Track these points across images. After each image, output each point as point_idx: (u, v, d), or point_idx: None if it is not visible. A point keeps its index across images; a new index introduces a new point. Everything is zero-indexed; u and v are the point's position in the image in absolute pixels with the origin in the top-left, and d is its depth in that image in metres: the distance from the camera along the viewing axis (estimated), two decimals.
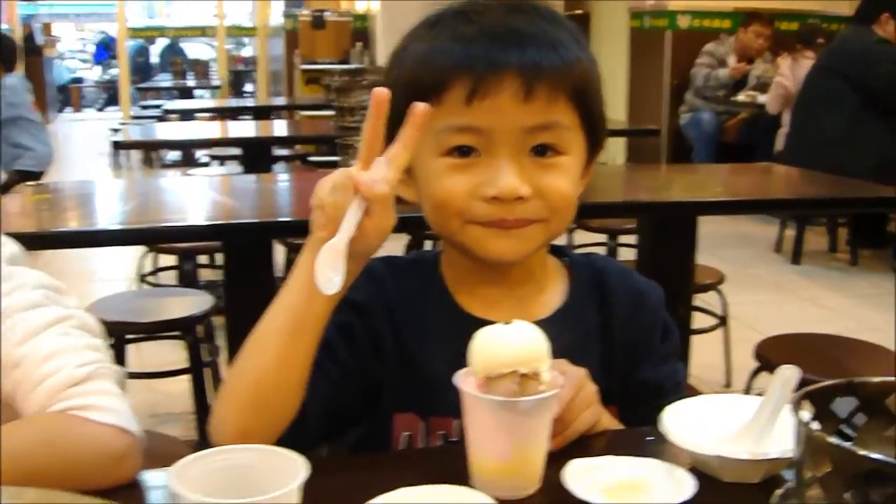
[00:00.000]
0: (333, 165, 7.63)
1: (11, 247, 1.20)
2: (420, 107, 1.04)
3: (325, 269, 1.00)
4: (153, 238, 3.31)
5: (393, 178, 1.03)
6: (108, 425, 1.04)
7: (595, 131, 1.25)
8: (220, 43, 13.94)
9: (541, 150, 1.19)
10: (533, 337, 1.02)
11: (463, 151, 1.19)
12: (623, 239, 4.70)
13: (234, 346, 2.98)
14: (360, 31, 10.65)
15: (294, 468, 0.86)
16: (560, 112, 1.19)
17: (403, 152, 1.04)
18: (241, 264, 2.82)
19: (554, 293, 1.32)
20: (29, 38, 12.51)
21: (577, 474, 1.03)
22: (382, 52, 9.63)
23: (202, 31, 15.88)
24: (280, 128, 6.29)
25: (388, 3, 9.66)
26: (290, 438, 1.06)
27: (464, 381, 1.03)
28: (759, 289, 5.55)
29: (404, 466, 1.16)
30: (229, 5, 14.55)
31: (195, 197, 3.09)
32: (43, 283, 1.16)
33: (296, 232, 3.54)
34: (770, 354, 2.72)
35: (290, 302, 1.09)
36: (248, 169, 5.12)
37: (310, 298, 1.07)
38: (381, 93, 1.04)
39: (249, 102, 10.81)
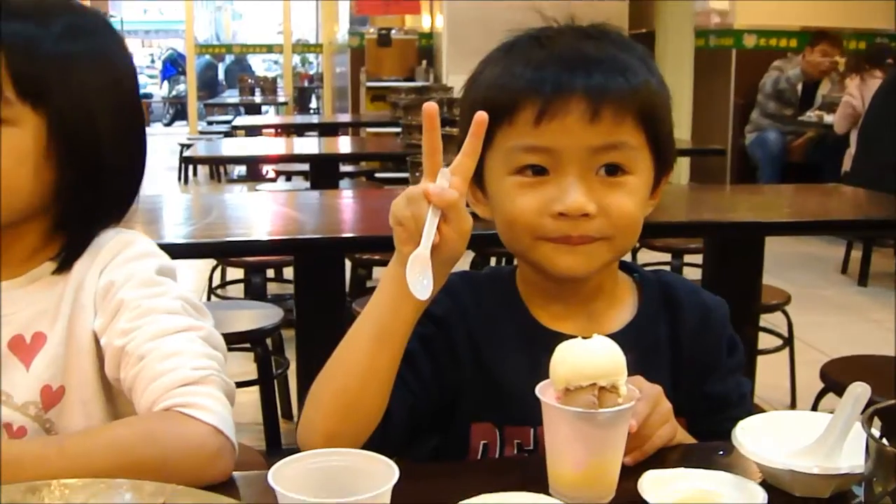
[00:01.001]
0: (401, 182, 7.74)
1: (164, 260, 1.30)
2: (480, 116, 1.10)
3: (416, 277, 1.05)
4: (228, 252, 3.40)
5: (459, 184, 1.09)
6: (206, 424, 1.10)
7: (663, 153, 1.30)
8: (287, 60, 14.13)
9: (608, 170, 1.25)
10: (612, 351, 1.06)
11: (533, 170, 1.25)
12: (688, 258, 4.72)
13: (304, 359, 3.06)
14: (425, 48, 10.74)
15: (386, 471, 0.91)
16: (626, 133, 1.24)
17: (466, 160, 1.11)
18: (312, 279, 2.89)
19: (624, 308, 1.36)
20: None
21: (652, 485, 1.07)
22: (447, 70, 9.71)
23: (269, 48, 16.12)
24: (347, 144, 6.38)
25: (452, 22, 9.75)
26: (373, 444, 1.11)
27: (544, 392, 1.08)
28: (824, 310, 5.53)
29: (483, 474, 1.20)
30: (295, 23, 14.75)
31: (267, 212, 3.16)
32: (184, 297, 1.25)
33: (365, 248, 3.62)
34: (836, 375, 2.72)
35: (378, 314, 1.15)
36: (315, 185, 5.21)
37: (396, 310, 1.13)
38: (431, 107, 1.11)
39: (315, 119, 10.95)
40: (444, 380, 1.30)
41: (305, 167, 6.91)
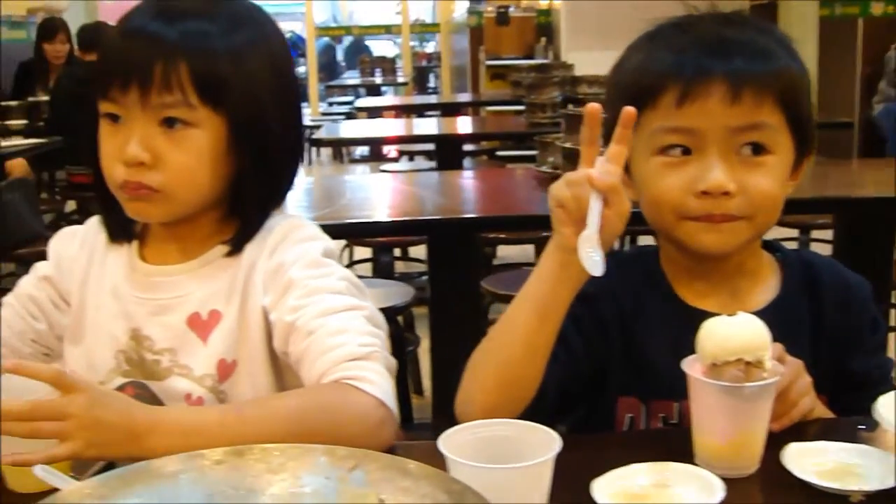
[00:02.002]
0: (523, 160, 7.76)
1: (329, 242, 1.38)
2: (629, 109, 1.16)
3: (588, 255, 1.11)
4: (365, 232, 3.48)
5: (615, 170, 1.14)
6: (372, 396, 1.18)
7: (804, 134, 1.33)
8: (405, 40, 14.24)
9: (749, 149, 1.29)
10: (757, 328, 1.11)
11: (675, 151, 1.30)
12: (816, 234, 4.66)
13: (437, 336, 3.14)
14: (543, 26, 10.70)
15: (548, 441, 0.97)
16: (767, 114, 1.28)
17: (620, 148, 1.16)
18: (446, 258, 2.96)
19: (767, 286, 1.40)
20: None
21: (795, 457, 1.11)
22: (566, 47, 9.67)
23: (387, 29, 16.24)
24: (468, 124, 6.43)
25: None
26: (527, 417, 1.17)
27: (691, 366, 1.13)
28: None
29: (631, 445, 1.26)
30: (412, 3, 14.84)
31: (398, 193, 3.25)
32: (348, 278, 1.33)
33: (497, 227, 3.68)
34: None
35: (538, 292, 1.21)
36: (441, 164, 5.28)
37: (556, 289, 1.20)
38: (594, 107, 1.17)
39: (433, 99, 11.02)
40: (593, 356, 1.35)
41: (427, 146, 7.01)
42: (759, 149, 1.29)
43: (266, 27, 1.38)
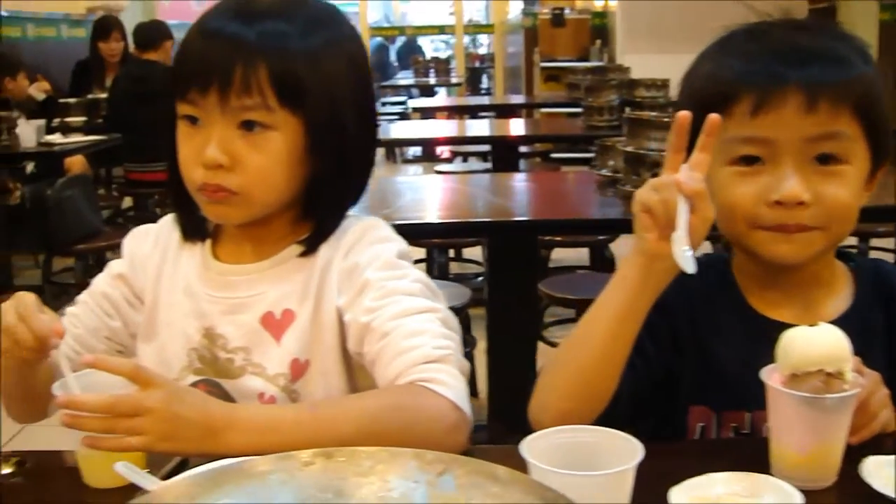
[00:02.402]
0: (579, 163, 7.74)
1: (403, 244, 1.39)
2: (713, 117, 1.15)
3: (683, 252, 1.11)
4: (423, 234, 3.48)
5: (700, 177, 1.14)
6: (447, 398, 1.19)
7: (880, 143, 1.31)
8: (459, 40, 14.25)
9: (823, 159, 1.27)
10: (839, 339, 1.10)
11: (749, 160, 1.29)
12: (875, 242, 4.62)
13: (494, 338, 3.14)
14: (598, 28, 10.67)
15: (629, 448, 0.97)
16: (843, 123, 1.26)
17: (703, 156, 1.15)
18: (505, 260, 2.96)
19: (840, 297, 1.38)
20: None
21: (874, 470, 1.10)
22: (621, 50, 9.63)
23: (440, 29, 16.27)
24: (523, 126, 6.42)
25: (627, 1, 9.66)
26: (602, 424, 1.17)
27: (770, 376, 1.12)
28: None
29: (706, 454, 1.25)
30: (466, 3, 14.84)
31: (456, 193, 3.25)
32: (422, 280, 1.34)
33: (557, 230, 3.67)
34: None
35: (617, 299, 1.21)
36: (496, 166, 5.27)
37: (636, 296, 1.19)
38: (685, 116, 1.16)
39: (486, 100, 11.02)
40: (666, 364, 1.35)
41: (480, 148, 7.01)
42: (834, 159, 1.27)
43: (343, 28, 1.38)
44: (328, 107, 1.30)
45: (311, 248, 1.37)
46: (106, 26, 7.45)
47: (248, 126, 1.27)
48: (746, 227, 1.30)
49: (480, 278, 5.14)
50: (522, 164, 6.62)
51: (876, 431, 1.20)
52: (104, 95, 6.87)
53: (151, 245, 1.46)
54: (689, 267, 1.11)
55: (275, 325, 1.36)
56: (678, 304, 1.34)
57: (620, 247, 4.78)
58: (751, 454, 1.16)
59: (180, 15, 10.08)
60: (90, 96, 6.89)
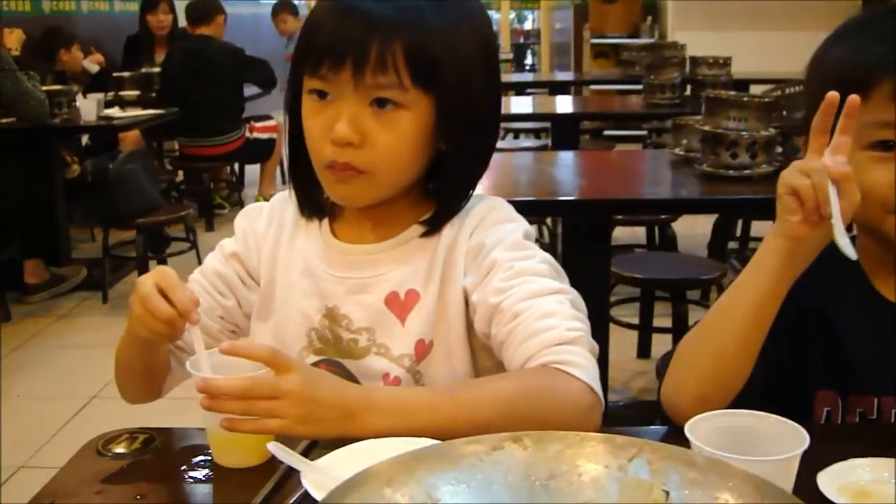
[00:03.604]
0: (632, 140, 7.69)
1: (526, 225, 1.37)
2: (854, 99, 1.15)
3: (843, 241, 1.11)
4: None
5: (844, 161, 1.14)
6: (582, 381, 1.17)
7: None
8: (505, 16, 14.18)
9: None
10: None
11: (886, 145, 1.27)
12: None
13: None
14: (648, 4, 10.56)
15: (793, 434, 0.96)
16: None
17: (844, 139, 1.15)
18: (580, 239, 2.94)
19: None
20: None
21: None
22: (672, 27, 9.55)
23: (487, 4, 16.22)
24: (578, 103, 6.38)
25: None
26: (735, 407, 1.17)
27: None
28: None
29: (839, 439, 1.24)
30: None
31: (530, 172, 3.24)
32: (549, 261, 1.32)
33: (632, 210, 3.65)
34: None
35: (758, 282, 1.20)
36: (557, 144, 5.25)
37: (776, 280, 1.19)
38: (834, 96, 1.16)
39: (528, 77, 10.94)
40: (795, 348, 1.34)
41: (530, 125, 6.99)
42: None
43: (472, 2, 1.34)
44: (460, 86, 1.27)
45: (434, 228, 1.36)
46: None
47: (380, 104, 1.25)
48: (882, 212, 1.28)
49: None
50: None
51: None
52: (156, 70, 6.90)
53: (265, 224, 1.45)
54: (852, 253, 1.10)
55: (399, 305, 1.35)
56: (805, 288, 1.32)
57: (682, 226, 4.75)
58: (883, 439, 1.16)
59: None
60: (143, 70, 6.93)
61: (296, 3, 9.07)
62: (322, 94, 1.28)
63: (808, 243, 1.16)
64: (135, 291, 1.22)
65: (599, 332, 3.01)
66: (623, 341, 3.95)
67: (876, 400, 1.32)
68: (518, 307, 1.24)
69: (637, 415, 3.56)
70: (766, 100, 2.86)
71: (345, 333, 1.37)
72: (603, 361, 3.04)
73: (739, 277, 1.23)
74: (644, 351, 4.14)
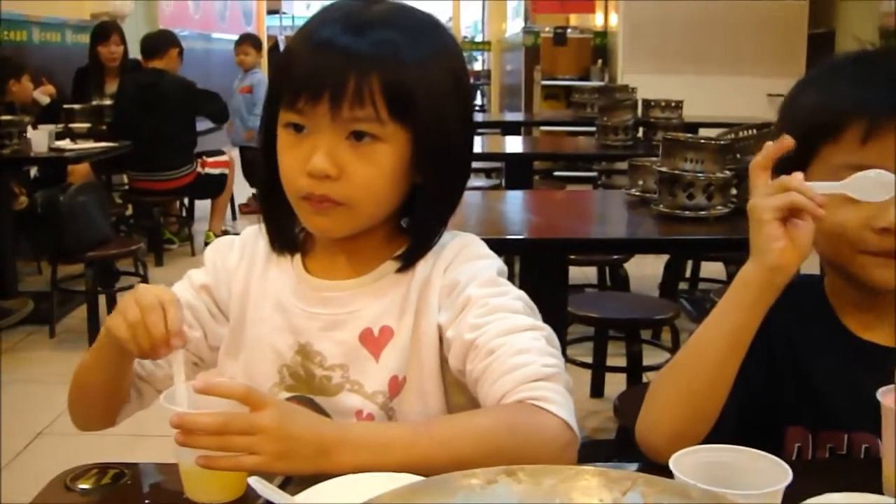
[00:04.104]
0: (582, 182, 7.76)
1: (499, 262, 1.38)
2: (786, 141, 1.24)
3: None
4: None
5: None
6: (559, 417, 1.18)
7: None
8: None
9: None
10: None
11: None
12: None
13: None
14: (599, 47, 10.72)
15: (774, 469, 0.97)
16: None
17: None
18: (538, 278, 2.95)
19: None
20: (274, 47, 13.12)
21: None
22: (622, 69, 9.68)
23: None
24: (531, 143, 6.44)
25: (629, 21, 9.72)
26: (709, 443, 1.18)
27: (885, 397, 1.12)
28: None
29: (810, 474, 1.25)
30: (462, 20, 14.89)
31: (485, 209, 3.25)
32: (523, 298, 1.33)
33: (589, 249, 3.67)
34: None
35: (734, 317, 1.23)
36: (509, 184, 5.28)
37: (752, 313, 1.22)
38: (791, 142, 1.24)
39: (480, 117, 11.01)
40: (766, 385, 1.36)
41: (483, 164, 7.03)
42: None
43: (445, 37, 1.36)
44: (435, 119, 1.28)
45: (409, 263, 1.36)
46: (105, 30, 7.49)
47: (357, 137, 1.26)
48: (851, 251, 1.31)
49: None
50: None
51: None
52: (107, 102, 6.85)
53: (237, 258, 1.44)
54: None
55: (373, 341, 1.35)
56: (774, 324, 1.35)
57: (633, 266, 4.79)
58: (856, 474, 1.17)
59: (180, 21, 10.08)
60: (94, 103, 6.88)
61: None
62: (298, 128, 1.28)
63: (785, 272, 1.20)
64: (130, 299, 1.21)
65: None
66: (577, 380, 3.93)
67: (846, 435, 1.33)
68: (493, 343, 1.24)
69: (592, 454, 3.56)
70: (722, 142, 2.90)
71: (318, 370, 1.36)
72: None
73: (714, 312, 1.25)
74: (598, 390, 4.16)
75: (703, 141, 2.92)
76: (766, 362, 1.35)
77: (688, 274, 5.38)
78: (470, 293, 1.30)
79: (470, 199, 3.55)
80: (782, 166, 1.27)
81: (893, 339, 1.32)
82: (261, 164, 1.36)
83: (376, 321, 1.35)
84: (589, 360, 4.07)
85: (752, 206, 1.22)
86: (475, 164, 7.25)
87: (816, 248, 1.35)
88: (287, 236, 1.40)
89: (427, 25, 1.34)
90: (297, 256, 1.41)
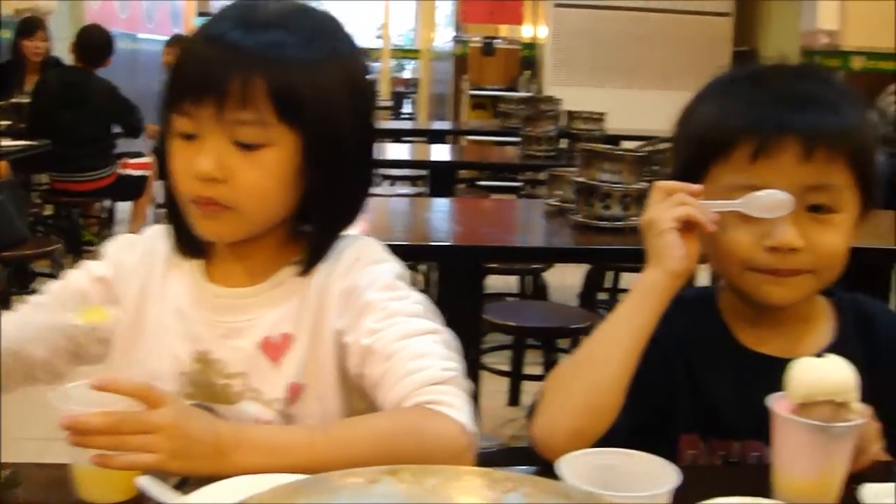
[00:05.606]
0: (506, 191, 7.79)
1: (399, 265, 1.37)
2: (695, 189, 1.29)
3: None
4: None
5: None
6: (457, 422, 1.18)
7: (869, 191, 1.36)
8: (385, 65, 14.26)
9: (816, 208, 1.31)
10: (847, 370, 1.14)
11: None
12: None
13: None
14: (527, 59, 10.78)
15: (664, 472, 0.99)
16: (837, 173, 1.31)
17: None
18: (454, 285, 2.96)
19: (822, 332, 1.43)
20: None
21: (873, 496, 1.14)
22: (550, 80, 9.76)
23: (366, 53, 16.29)
24: (457, 152, 6.44)
25: (557, 33, 9.81)
26: (602, 445, 1.19)
27: (777, 404, 1.15)
28: None
29: (702, 480, 1.27)
30: (392, 27, 14.88)
31: (408, 216, 3.26)
32: (422, 301, 1.33)
33: (505, 257, 3.69)
34: None
35: (639, 318, 1.27)
36: (433, 192, 5.29)
37: (654, 315, 1.27)
38: (699, 191, 1.29)
39: (408, 125, 11.01)
40: (660, 391, 1.38)
41: (408, 172, 7.04)
42: (826, 208, 1.32)
43: (344, 41, 1.35)
44: (326, 122, 1.28)
45: (307, 268, 1.35)
46: (32, 24, 7.35)
47: (243, 140, 1.25)
48: (740, 268, 1.34)
49: None
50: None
51: (870, 461, 1.24)
52: (26, 100, 6.72)
53: (138, 257, 1.42)
54: None
55: (273, 349, 1.34)
56: (669, 335, 1.37)
57: (553, 276, 4.83)
58: (747, 480, 1.20)
59: (106, 20, 9.92)
60: (13, 100, 6.75)
61: None
62: (188, 134, 1.27)
63: (684, 278, 1.26)
64: None
65: (470, 378, 3.05)
66: (494, 389, 3.99)
67: (738, 444, 1.36)
68: (391, 348, 1.25)
69: (507, 461, 3.56)
70: (639, 154, 2.94)
71: (219, 378, 1.35)
72: (473, 408, 3.06)
73: (617, 313, 1.29)
74: (515, 398, 4.17)
75: (620, 152, 2.95)
76: (660, 372, 1.37)
77: (609, 284, 5.43)
78: (368, 297, 1.30)
79: (391, 205, 3.57)
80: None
81: (783, 350, 1.35)
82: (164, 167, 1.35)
83: (275, 328, 1.34)
84: (507, 368, 4.08)
85: (653, 218, 1.27)
86: (400, 172, 7.32)
87: (710, 264, 1.39)
88: (193, 240, 1.38)
89: (324, 28, 1.34)
90: (198, 262, 1.40)
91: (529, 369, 4.06)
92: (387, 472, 0.77)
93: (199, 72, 1.25)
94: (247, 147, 1.25)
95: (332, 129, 1.29)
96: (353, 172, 1.35)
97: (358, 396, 1.33)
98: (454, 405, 1.19)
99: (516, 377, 4.11)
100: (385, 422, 1.20)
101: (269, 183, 1.27)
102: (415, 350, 1.24)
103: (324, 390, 1.33)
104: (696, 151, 1.36)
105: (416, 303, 1.31)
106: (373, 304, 1.29)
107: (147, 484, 1.05)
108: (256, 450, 1.12)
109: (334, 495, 0.75)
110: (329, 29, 1.35)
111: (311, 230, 1.36)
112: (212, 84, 1.23)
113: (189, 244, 1.38)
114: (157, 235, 1.43)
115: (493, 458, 3.63)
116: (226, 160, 1.25)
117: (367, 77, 1.42)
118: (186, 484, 1.13)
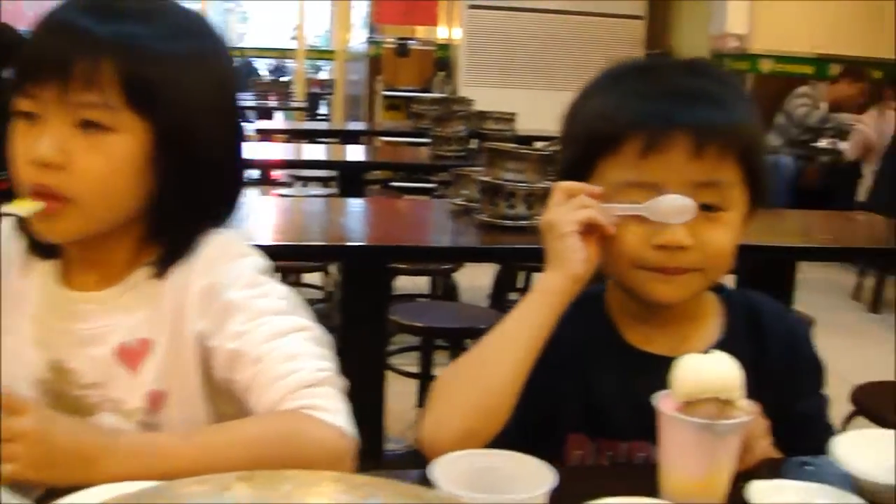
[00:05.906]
0: (420, 193, 7.77)
1: (260, 259, 1.31)
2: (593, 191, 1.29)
3: None
4: (277, 255, 3.42)
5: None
6: (334, 427, 1.14)
7: (758, 189, 1.35)
8: (300, 65, 14.14)
9: (705, 206, 1.29)
10: (732, 367, 1.12)
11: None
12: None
13: (343, 365, 3.08)
14: (442, 60, 10.76)
15: (541, 473, 0.96)
16: (727, 170, 1.29)
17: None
18: (358, 285, 2.93)
19: (710, 328, 1.42)
20: None
21: (759, 494, 1.12)
22: (463, 81, 9.76)
23: (281, 53, 16.14)
24: (371, 153, 6.40)
25: (471, 34, 9.82)
26: (492, 447, 1.16)
27: (662, 404, 1.13)
28: (840, 335, 5.54)
29: (590, 479, 1.25)
30: (307, 28, 14.76)
31: (310, 217, 3.21)
32: (288, 296, 1.27)
33: (410, 257, 3.66)
34: (867, 399, 2.79)
35: (539, 319, 1.27)
36: (344, 193, 5.24)
37: (551, 319, 1.26)
38: (600, 192, 1.28)
39: (323, 126, 10.94)
40: (547, 392, 1.35)
41: (321, 173, 6.97)
42: (715, 207, 1.30)
43: (210, 40, 1.31)
44: (180, 115, 1.22)
45: (162, 269, 1.28)
46: None
47: (87, 124, 1.19)
48: (628, 266, 1.32)
49: (322, 304, 5.09)
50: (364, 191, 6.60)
51: (758, 458, 1.22)
52: None
53: None
54: None
55: (130, 356, 1.27)
56: (559, 335, 1.34)
57: (465, 277, 4.80)
58: (633, 480, 1.18)
59: (14, 20, 9.65)
60: None
61: None
62: (30, 116, 1.20)
63: (583, 281, 1.26)
64: None
65: (376, 380, 3.01)
66: (403, 390, 3.94)
67: (625, 444, 1.35)
68: (260, 350, 1.20)
69: (415, 464, 3.54)
70: (544, 153, 2.92)
71: (74, 389, 1.28)
72: (380, 410, 3.02)
73: (516, 313, 1.28)
74: (423, 400, 4.14)
75: (524, 151, 2.94)
76: (549, 372, 1.34)
77: (522, 284, 5.42)
78: (230, 297, 1.24)
79: (300, 205, 3.53)
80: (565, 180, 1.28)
81: (670, 349, 1.33)
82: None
83: (132, 334, 1.28)
84: (415, 369, 4.05)
85: (554, 220, 1.26)
86: (311, 173, 7.24)
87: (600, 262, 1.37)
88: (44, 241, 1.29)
89: (190, 25, 1.30)
90: (53, 265, 1.32)
91: (438, 370, 4.01)
92: (240, 478, 0.73)
93: (42, 52, 1.19)
94: (92, 127, 1.19)
95: (187, 125, 1.23)
96: (212, 172, 1.29)
97: (225, 401, 1.28)
98: (330, 409, 1.15)
99: (424, 378, 4.08)
100: (256, 427, 1.16)
101: (112, 173, 1.21)
102: (285, 351, 1.19)
103: (187, 396, 1.27)
104: (583, 147, 1.33)
105: (281, 298, 1.26)
106: (236, 304, 1.23)
107: (5, 496, 0.99)
108: (126, 458, 1.07)
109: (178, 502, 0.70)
110: (195, 27, 1.30)
111: (163, 229, 1.29)
112: (55, 65, 1.17)
113: (40, 244, 1.31)
114: (9, 231, 1.34)
115: (401, 460, 3.61)
116: (67, 145, 1.18)
117: (235, 78, 1.39)
118: (52, 496, 1.08)
